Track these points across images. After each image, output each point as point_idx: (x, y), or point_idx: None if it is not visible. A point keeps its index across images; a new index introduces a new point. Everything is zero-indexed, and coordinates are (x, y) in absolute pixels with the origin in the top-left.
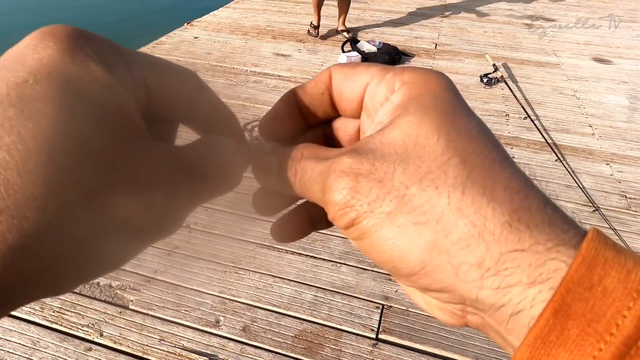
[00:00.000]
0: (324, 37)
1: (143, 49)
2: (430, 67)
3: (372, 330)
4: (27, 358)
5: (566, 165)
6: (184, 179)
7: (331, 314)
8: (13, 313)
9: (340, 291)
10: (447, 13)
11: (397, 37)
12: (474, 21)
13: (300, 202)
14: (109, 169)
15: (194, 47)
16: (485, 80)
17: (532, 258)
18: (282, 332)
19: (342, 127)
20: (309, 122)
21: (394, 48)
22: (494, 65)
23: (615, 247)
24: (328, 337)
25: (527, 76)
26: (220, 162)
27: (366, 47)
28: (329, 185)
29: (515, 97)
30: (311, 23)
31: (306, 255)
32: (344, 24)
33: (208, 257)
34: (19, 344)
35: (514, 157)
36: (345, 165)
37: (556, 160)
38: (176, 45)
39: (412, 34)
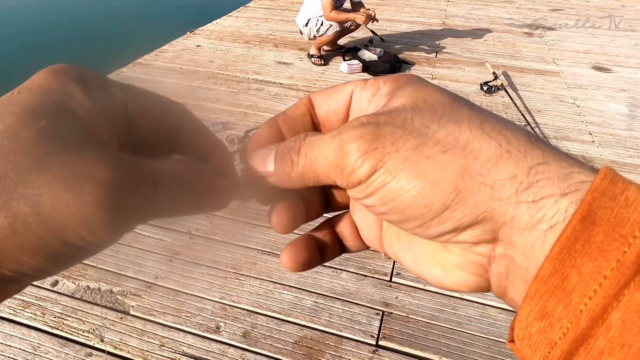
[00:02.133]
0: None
1: (147, 57)
2: (431, 75)
3: (372, 336)
4: None
5: None
6: (124, 180)
7: (331, 320)
8: (14, 318)
9: (340, 297)
10: (447, 22)
11: (397, 46)
12: (474, 30)
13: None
14: (43, 156)
15: (196, 55)
16: (485, 88)
17: (559, 171)
18: (282, 338)
19: None
20: None
21: (395, 56)
22: (494, 73)
23: (626, 179)
24: (328, 344)
25: (527, 84)
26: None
27: (367, 55)
28: (347, 138)
29: (516, 104)
30: (313, 55)
31: None
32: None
33: (209, 263)
34: (20, 349)
35: None
36: (362, 119)
37: None
38: (179, 54)
39: (413, 42)
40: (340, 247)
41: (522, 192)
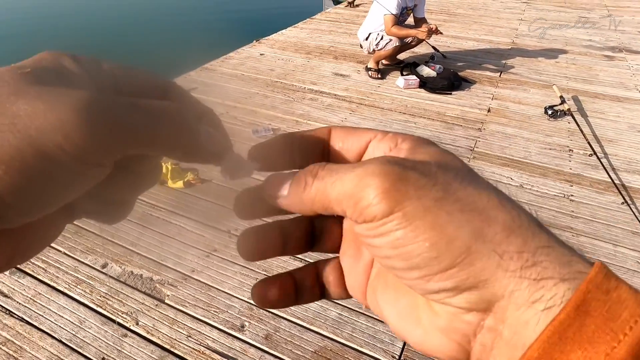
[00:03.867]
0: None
1: (213, 63)
2: (492, 95)
3: (394, 357)
4: (73, 334)
5: (634, 210)
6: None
7: (354, 334)
8: (68, 292)
9: (365, 313)
10: (517, 41)
11: (460, 63)
12: (545, 50)
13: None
14: (23, 86)
15: (258, 63)
16: (550, 112)
17: (561, 257)
18: (302, 345)
19: None
20: (297, 164)
21: (454, 74)
22: (561, 97)
23: (618, 277)
24: (347, 357)
25: (599, 111)
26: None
27: (425, 71)
28: (371, 172)
29: (582, 132)
30: (371, 68)
31: None
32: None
33: (243, 262)
34: (69, 321)
35: (572, 196)
36: (389, 159)
37: (622, 204)
38: (243, 61)
39: (476, 60)
40: (320, 292)
41: (526, 268)
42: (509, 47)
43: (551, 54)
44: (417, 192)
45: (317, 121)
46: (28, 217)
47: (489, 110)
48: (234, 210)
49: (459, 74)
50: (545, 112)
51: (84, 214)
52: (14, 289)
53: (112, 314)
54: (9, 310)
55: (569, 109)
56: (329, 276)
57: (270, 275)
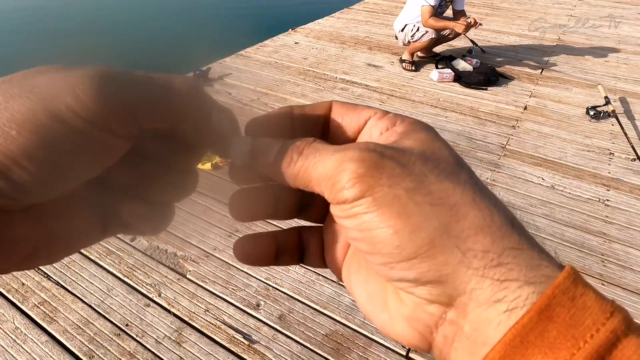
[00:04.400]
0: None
1: (248, 50)
2: (530, 92)
3: (403, 347)
4: (101, 301)
5: None
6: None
7: (365, 322)
8: (98, 262)
9: None
10: (563, 38)
11: (499, 59)
12: (594, 48)
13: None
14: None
15: (292, 52)
16: (592, 113)
17: (529, 260)
18: (314, 328)
19: None
20: (294, 137)
21: (492, 69)
22: (606, 97)
23: (587, 282)
24: (358, 344)
25: None
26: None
27: (461, 65)
28: (350, 157)
29: (626, 135)
30: (405, 60)
31: None
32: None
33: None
34: (98, 287)
35: (608, 200)
36: (370, 145)
37: None
38: (277, 49)
39: (517, 56)
40: (299, 257)
41: (490, 268)
42: (554, 44)
43: (601, 52)
44: (389, 180)
45: None
46: (46, 187)
47: (525, 108)
48: (230, 212)
49: (497, 69)
50: (587, 113)
51: (121, 227)
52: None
53: (137, 284)
54: (46, 274)
55: (613, 111)
56: (310, 245)
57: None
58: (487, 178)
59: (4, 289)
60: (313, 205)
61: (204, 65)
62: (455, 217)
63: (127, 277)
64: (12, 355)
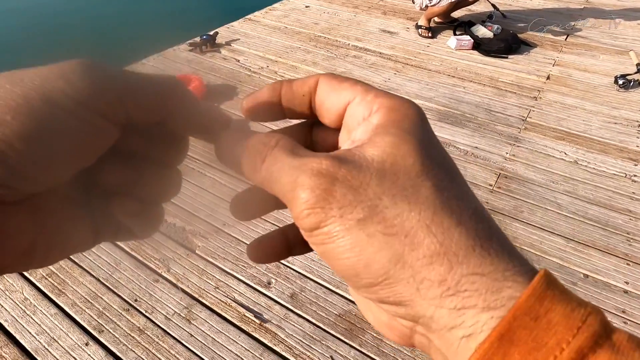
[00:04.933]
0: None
1: (257, 14)
2: (554, 61)
3: None
4: (109, 275)
5: None
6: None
7: None
8: None
9: None
10: (592, 0)
11: (521, 24)
12: (627, 11)
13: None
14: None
15: (303, 16)
16: (621, 82)
17: (491, 284)
18: (327, 307)
19: (323, 137)
20: (285, 116)
21: (513, 35)
22: (638, 65)
23: (562, 287)
24: (369, 323)
25: None
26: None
27: (481, 31)
28: (301, 182)
29: None
30: (421, 26)
31: None
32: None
33: (273, 220)
34: (106, 261)
35: (635, 176)
36: (323, 167)
37: None
38: (287, 13)
39: (541, 21)
40: (309, 248)
41: (446, 297)
42: (582, 7)
43: (634, 15)
44: (340, 211)
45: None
46: (41, 172)
47: (548, 78)
48: (231, 212)
49: (519, 35)
50: (616, 82)
51: (113, 231)
52: None
53: (145, 259)
54: None
55: None
56: None
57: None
58: (507, 153)
59: None
60: None
61: (211, 30)
62: (410, 245)
63: (135, 252)
64: (23, 326)
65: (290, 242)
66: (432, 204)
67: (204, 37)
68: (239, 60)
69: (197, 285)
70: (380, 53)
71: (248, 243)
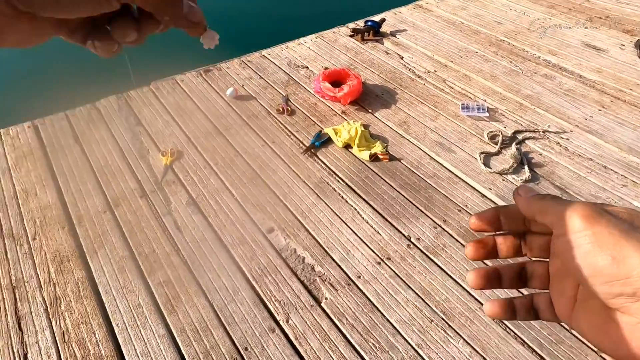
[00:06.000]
0: None
1: (430, 0)
2: None
3: None
4: (225, 304)
5: None
6: None
7: None
8: (230, 249)
9: None
10: None
11: None
12: None
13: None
14: None
15: (484, 10)
16: None
17: None
18: None
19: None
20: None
21: None
22: None
23: None
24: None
25: None
26: None
27: None
28: (577, 205)
29: None
30: None
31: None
32: None
33: (417, 287)
34: (224, 284)
35: None
36: (593, 203)
37: None
38: (466, 4)
39: None
40: (534, 314)
41: None
42: None
43: None
44: (607, 222)
45: (547, 111)
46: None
47: None
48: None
49: None
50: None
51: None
52: (185, 223)
53: (265, 295)
54: (177, 246)
55: None
56: (540, 304)
57: None
58: None
59: (136, 250)
60: (535, 277)
61: (376, 14)
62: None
63: (257, 282)
64: (130, 338)
65: (499, 275)
66: None
67: (369, 23)
68: (402, 58)
69: (316, 352)
70: (580, 76)
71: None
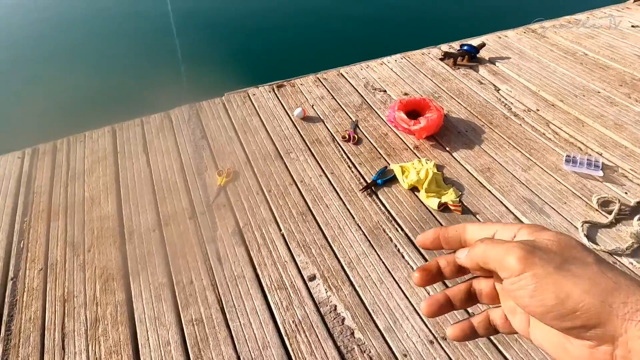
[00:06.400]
0: None
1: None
2: None
3: None
4: (251, 357)
5: None
6: None
7: None
8: (267, 293)
9: None
10: None
11: None
12: None
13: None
14: None
15: (619, 41)
16: None
17: None
18: None
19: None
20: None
21: None
22: None
23: None
24: None
25: None
26: None
27: None
28: (512, 246)
29: None
30: None
31: None
32: None
33: None
34: (254, 333)
35: None
36: (523, 242)
37: None
38: (593, 31)
39: None
40: (494, 329)
41: (631, 313)
42: None
43: None
44: (541, 261)
45: None
46: None
47: None
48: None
49: None
50: None
51: None
52: (227, 255)
53: (295, 356)
54: (215, 280)
55: None
56: (495, 320)
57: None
58: None
59: (175, 278)
60: (484, 294)
61: (476, 38)
62: (593, 282)
63: (288, 337)
64: None
65: (452, 299)
66: (595, 264)
67: (465, 47)
68: (498, 90)
69: None
70: None
71: None
